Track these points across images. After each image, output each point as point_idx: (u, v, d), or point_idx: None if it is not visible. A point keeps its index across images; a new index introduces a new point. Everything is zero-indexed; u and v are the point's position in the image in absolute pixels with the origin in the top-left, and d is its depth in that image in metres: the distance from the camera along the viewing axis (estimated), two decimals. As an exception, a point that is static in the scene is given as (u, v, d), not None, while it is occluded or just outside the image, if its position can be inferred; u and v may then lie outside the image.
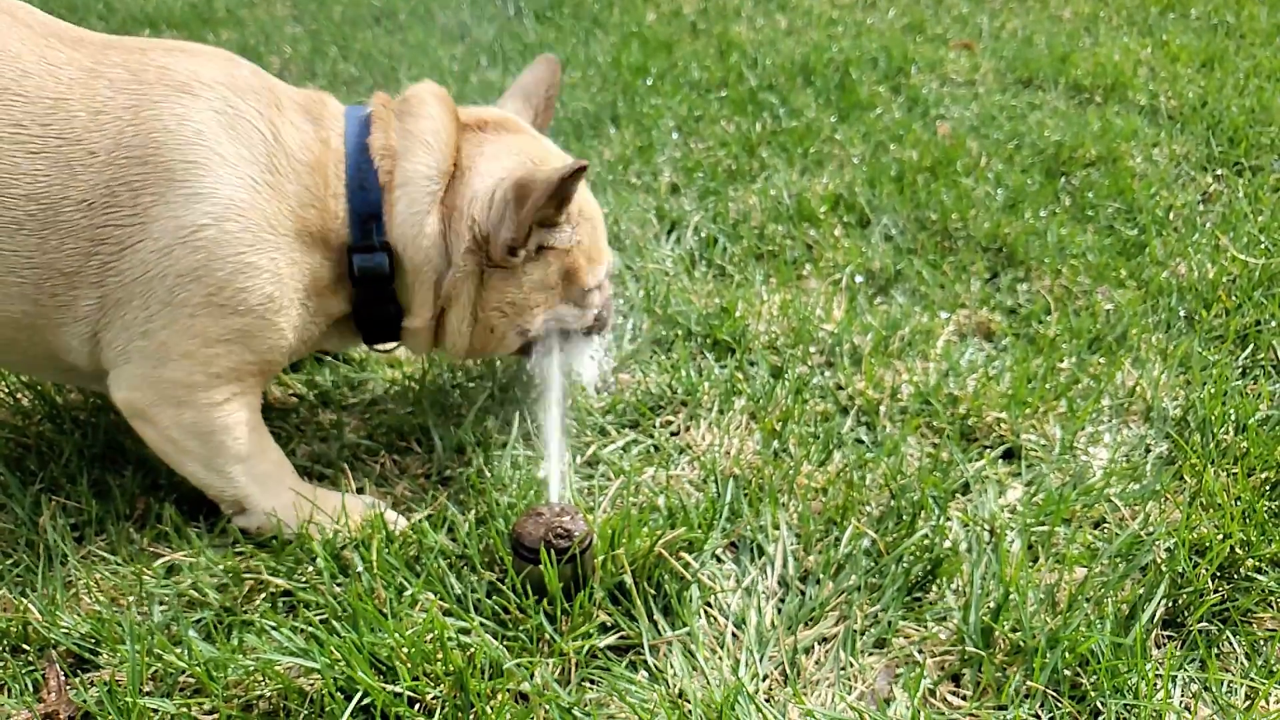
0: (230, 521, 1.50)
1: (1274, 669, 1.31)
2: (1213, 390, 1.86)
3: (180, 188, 1.28)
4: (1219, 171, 3.02)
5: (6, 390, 1.77)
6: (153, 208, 1.27)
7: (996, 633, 1.33)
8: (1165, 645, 1.37)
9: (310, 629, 1.29)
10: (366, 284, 1.44)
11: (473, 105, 1.63)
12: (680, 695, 1.26)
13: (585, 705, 1.24)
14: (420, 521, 1.50)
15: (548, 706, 1.22)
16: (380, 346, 1.61)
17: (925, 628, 1.38)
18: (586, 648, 1.31)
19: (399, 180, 1.42)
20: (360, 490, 1.61)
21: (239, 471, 1.45)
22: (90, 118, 1.26)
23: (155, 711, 1.20)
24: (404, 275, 1.46)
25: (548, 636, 1.32)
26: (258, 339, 1.37)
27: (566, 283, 1.56)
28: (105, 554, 1.46)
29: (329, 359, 1.92)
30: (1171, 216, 2.66)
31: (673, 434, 1.79)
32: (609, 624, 1.35)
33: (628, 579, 1.37)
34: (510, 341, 1.58)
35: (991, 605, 1.37)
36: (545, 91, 1.69)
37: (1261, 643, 1.37)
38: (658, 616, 1.36)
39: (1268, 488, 1.62)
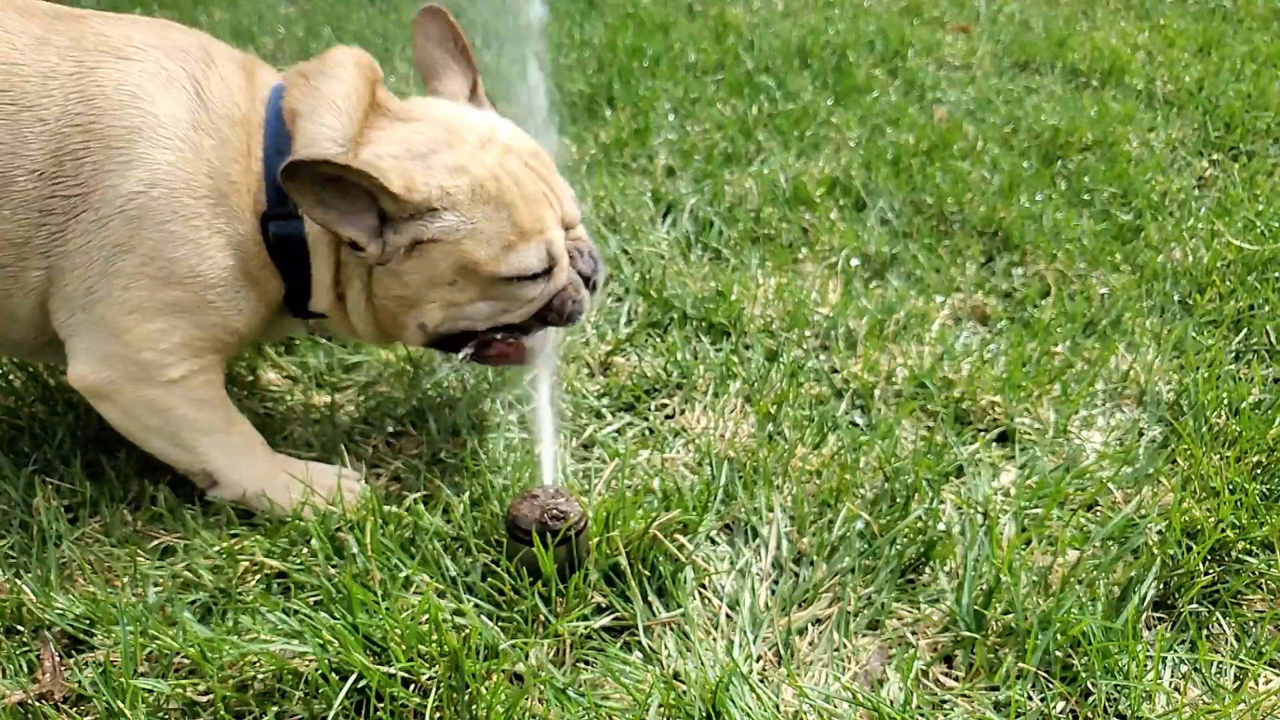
0: (204, 495, 1.51)
1: (1263, 650, 1.32)
2: (1206, 374, 1.86)
3: (117, 155, 1.27)
4: (1215, 156, 3.02)
5: (-1, 372, 1.77)
6: (93, 176, 1.27)
7: (989, 615, 1.34)
8: (1156, 627, 1.38)
9: (305, 611, 1.29)
10: (285, 255, 1.38)
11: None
12: (675, 676, 1.26)
13: (580, 686, 1.24)
14: (415, 503, 1.50)
15: (542, 687, 1.22)
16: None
17: (918, 609, 1.38)
18: (581, 629, 1.32)
19: (299, 141, 1.34)
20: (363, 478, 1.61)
21: (206, 445, 1.44)
22: (40, 84, 1.26)
23: (150, 692, 1.20)
24: (311, 241, 1.38)
25: (542, 618, 1.32)
26: (196, 314, 1.34)
27: (467, 276, 1.39)
28: (99, 535, 1.46)
29: (323, 340, 1.91)
30: (1167, 201, 2.66)
31: (668, 417, 1.79)
32: (604, 605, 1.36)
33: (622, 561, 1.37)
34: (413, 335, 1.47)
35: (984, 587, 1.38)
36: (453, 47, 1.54)
37: (1251, 624, 1.38)
38: (652, 598, 1.37)
39: (1259, 471, 1.62)
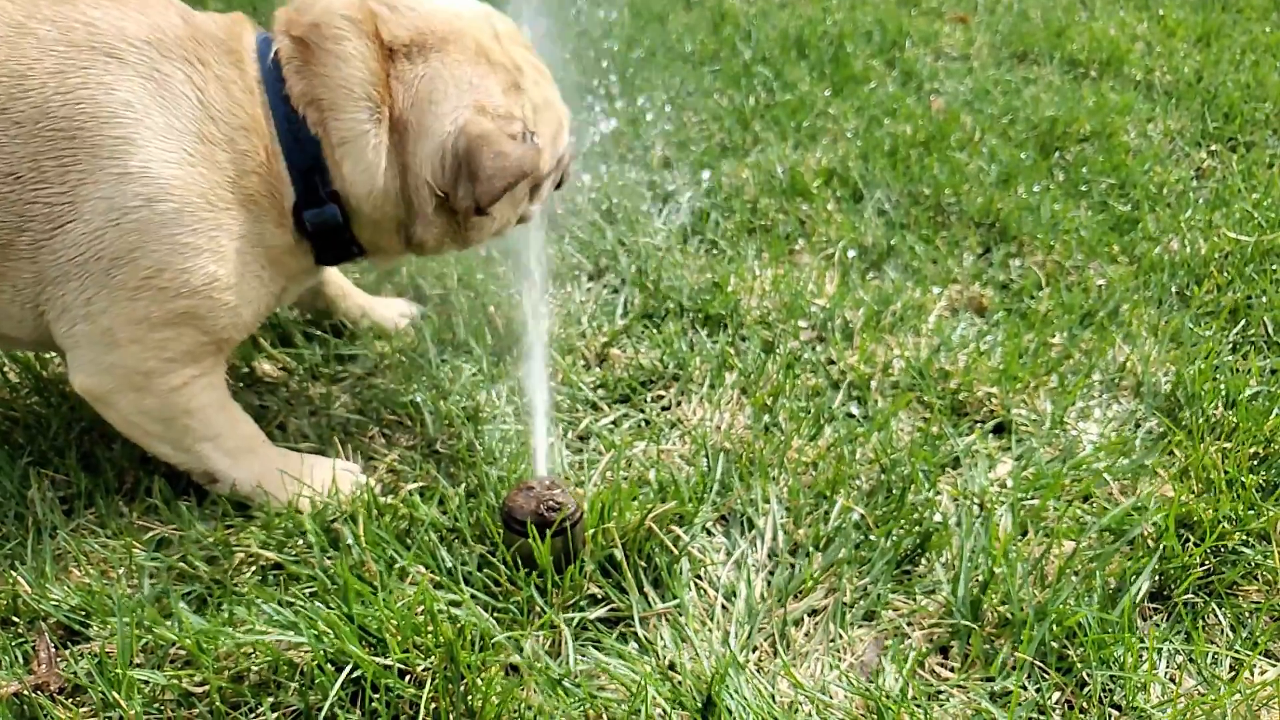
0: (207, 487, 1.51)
1: (1258, 641, 1.32)
2: (1203, 366, 1.86)
3: (110, 165, 1.21)
4: (1213, 147, 3.01)
5: (-7, 363, 1.76)
6: (81, 186, 1.21)
7: (985, 605, 1.34)
8: (1152, 618, 1.38)
9: (300, 602, 1.29)
10: (323, 235, 1.39)
11: None
12: (670, 667, 1.26)
13: (575, 677, 1.24)
14: (411, 495, 1.50)
15: (538, 678, 1.22)
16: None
17: (914, 600, 1.39)
18: (577, 620, 1.31)
19: (336, 139, 1.33)
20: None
21: (208, 449, 1.44)
22: (14, 83, 1.18)
23: (145, 683, 1.20)
24: (361, 222, 1.41)
25: (538, 609, 1.32)
26: (207, 320, 1.32)
27: (534, 187, 1.54)
28: (95, 527, 1.46)
29: (319, 331, 1.91)
30: (1165, 192, 2.66)
31: (664, 408, 1.79)
32: (599, 596, 1.36)
33: (618, 552, 1.37)
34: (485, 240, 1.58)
35: (980, 578, 1.38)
36: None
37: (1246, 615, 1.38)
38: (648, 589, 1.37)
39: (1256, 462, 1.62)
